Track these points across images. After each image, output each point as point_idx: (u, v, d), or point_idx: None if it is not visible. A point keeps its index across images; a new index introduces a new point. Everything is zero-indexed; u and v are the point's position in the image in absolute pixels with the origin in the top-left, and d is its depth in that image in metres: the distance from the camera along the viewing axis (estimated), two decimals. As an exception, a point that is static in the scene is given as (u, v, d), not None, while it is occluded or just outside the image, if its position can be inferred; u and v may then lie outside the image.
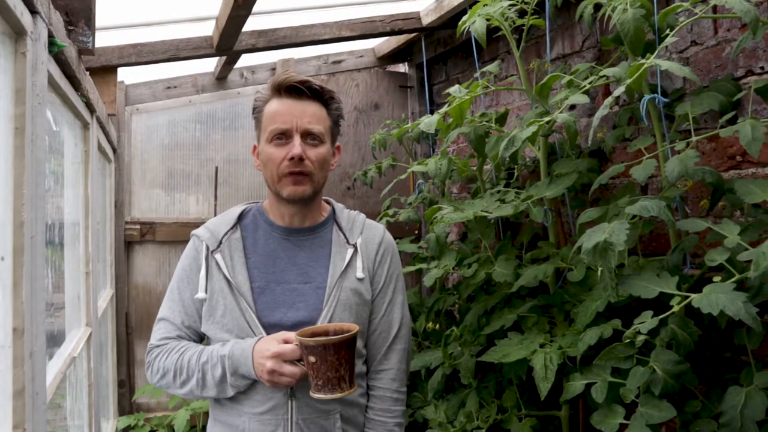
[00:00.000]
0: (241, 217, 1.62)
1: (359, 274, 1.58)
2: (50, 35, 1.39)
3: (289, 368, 1.40)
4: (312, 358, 1.35)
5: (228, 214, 1.63)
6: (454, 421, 2.19)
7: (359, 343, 1.57)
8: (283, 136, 1.50)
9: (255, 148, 1.61)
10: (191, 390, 1.50)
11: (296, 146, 1.48)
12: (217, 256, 1.54)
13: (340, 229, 1.63)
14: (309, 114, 1.51)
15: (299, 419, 1.50)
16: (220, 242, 1.56)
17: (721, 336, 1.65)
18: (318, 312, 1.52)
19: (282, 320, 1.51)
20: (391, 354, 1.64)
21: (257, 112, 1.57)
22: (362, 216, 1.70)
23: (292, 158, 1.48)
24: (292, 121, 1.50)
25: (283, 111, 1.51)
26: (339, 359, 1.36)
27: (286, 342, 1.41)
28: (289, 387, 1.46)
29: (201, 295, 1.53)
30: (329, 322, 1.52)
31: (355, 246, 1.60)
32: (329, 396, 1.37)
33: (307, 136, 1.51)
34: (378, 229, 1.68)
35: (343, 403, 1.54)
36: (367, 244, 1.63)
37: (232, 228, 1.58)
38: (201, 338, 1.61)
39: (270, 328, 1.50)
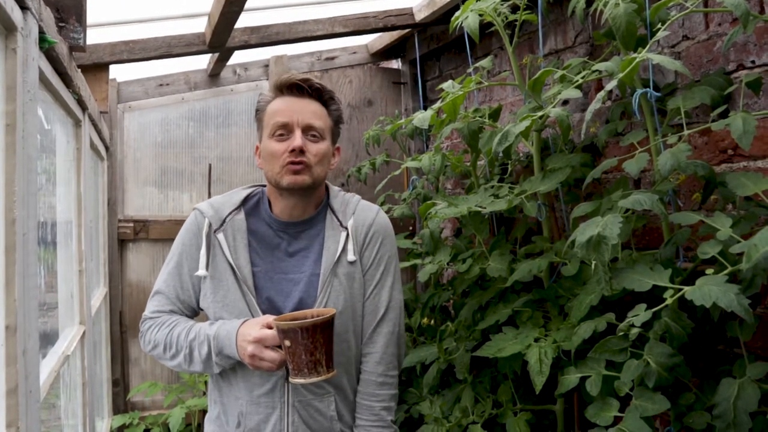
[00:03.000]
0: (245, 200, 1.65)
1: (350, 257, 1.60)
2: (41, 31, 1.38)
3: (269, 353, 1.43)
4: (287, 342, 1.38)
5: (234, 196, 1.66)
6: (450, 416, 2.19)
7: (353, 326, 1.62)
8: (284, 131, 1.55)
9: (257, 148, 1.65)
10: (180, 364, 1.55)
11: (297, 138, 1.53)
12: (220, 236, 1.57)
13: (334, 212, 1.65)
14: (310, 111, 1.57)
15: (295, 401, 1.55)
16: (223, 221, 1.59)
17: (714, 328, 1.66)
18: (314, 299, 1.56)
19: (281, 308, 1.56)
20: (377, 337, 1.65)
21: (260, 112, 1.61)
22: (357, 198, 1.72)
23: (293, 150, 1.52)
24: (293, 116, 1.54)
25: (284, 107, 1.56)
26: (314, 342, 1.37)
27: (268, 327, 1.44)
28: (270, 371, 1.48)
29: (201, 272, 1.56)
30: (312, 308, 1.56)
31: (347, 229, 1.62)
32: (305, 380, 1.39)
33: (308, 131, 1.56)
34: (371, 211, 1.69)
35: (334, 386, 1.58)
36: (357, 226, 1.65)
37: (236, 209, 1.61)
38: (195, 313, 1.66)
39: (268, 314, 1.53)
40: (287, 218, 1.61)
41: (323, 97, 1.61)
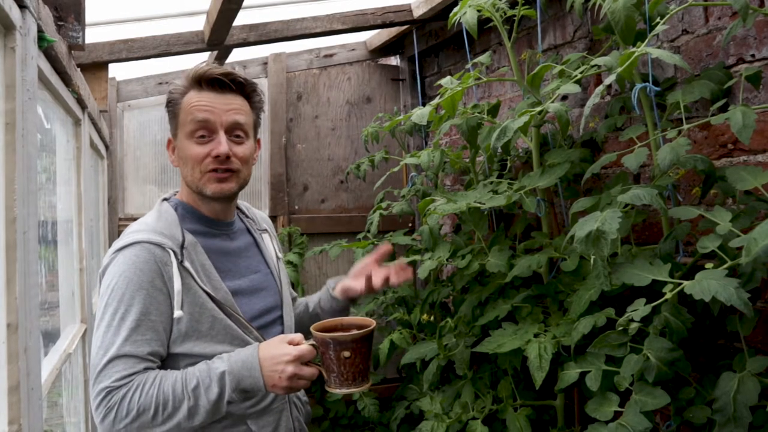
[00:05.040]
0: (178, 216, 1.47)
1: (279, 254, 1.66)
2: (39, 30, 1.38)
3: (308, 370, 1.33)
4: (346, 353, 1.32)
5: (165, 214, 1.44)
6: (450, 412, 2.20)
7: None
8: (205, 132, 1.40)
9: (170, 142, 1.49)
10: (178, 423, 1.31)
11: (222, 144, 1.39)
12: (187, 264, 1.36)
13: (246, 216, 1.64)
14: (234, 108, 1.43)
15: (293, 397, 1.54)
16: (183, 248, 1.38)
17: (714, 323, 1.66)
18: (278, 294, 1.57)
19: (260, 312, 1.50)
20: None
21: (173, 104, 1.45)
22: (246, 202, 1.73)
23: (217, 156, 1.39)
24: (216, 116, 1.40)
25: (204, 105, 1.40)
26: (369, 349, 1.37)
27: (293, 343, 1.35)
28: (304, 388, 1.40)
29: (178, 313, 1.33)
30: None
31: (267, 230, 1.67)
32: (359, 389, 1.36)
33: (233, 131, 1.43)
34: (263, 213, 1.75)
35: None
36: (270, 228, 1.71)
37: (182, 230, 1.41)
38: (162, 362, 1.38)
39: (253, 323, 1.47)
40: (223, 219, 1.52)
41: (246, 90, 1.46)
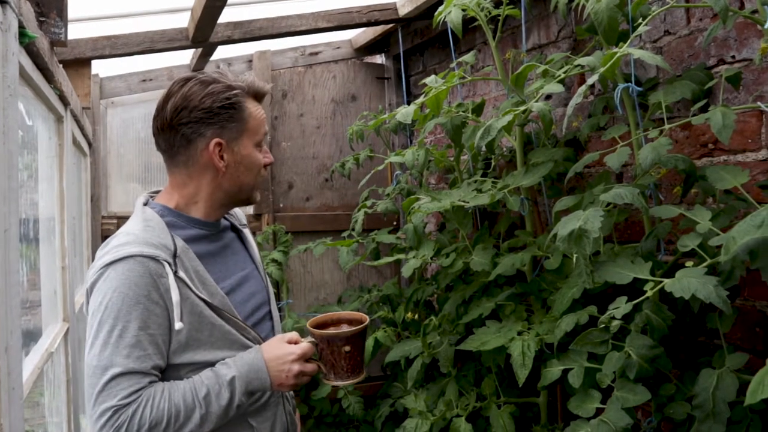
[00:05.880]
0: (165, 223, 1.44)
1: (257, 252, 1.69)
2: (21, 26, 1.37)
3: (310, 366, 1.43)
4: (347, 348, 1.41)
5: (153, 222, 1.40)
6: (434, 409, 2.20)
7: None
8: (263, 144, 1.52)
9: (220, 144, 1.42)
10: None
11: (270, 155, 1.53)
12: (182, 274, 1.34)
13: (228, 212, 1.63)
14: None
15: (286, 393, 1.57)
16: (175, 257, 1.35)
17: (694, 320, 1.68)
18: (265, 290, 1.60)
19: (252, 309, 1.53)
20: None
21: (238, 110, 1.43)
22: None
23: (267, 165, 1.52)
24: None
25: (264, 118, 1.51)
26: (365, 341, 1.47)
27: (293, 342, 1.43)
28: (297, 387, 1.45)
29: (179, 325, 1.31)
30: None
31: (246, 226, 1.69)
32: (357, 379, 1.45)
33: None
34: (239, 209, 1.73)
35: None
36: (246, 224, 1.73)
37: (173, 238, 1.38)
38: (162, 373, 1.36)
39: (248, 321, 1.50)
40: (215, 220, 1.53)
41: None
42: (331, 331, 1.45)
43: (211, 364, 1.37)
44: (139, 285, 1.29)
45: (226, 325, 1.39)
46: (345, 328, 1.48)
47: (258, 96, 1.50)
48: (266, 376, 1.37)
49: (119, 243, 1.34)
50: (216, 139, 1.41)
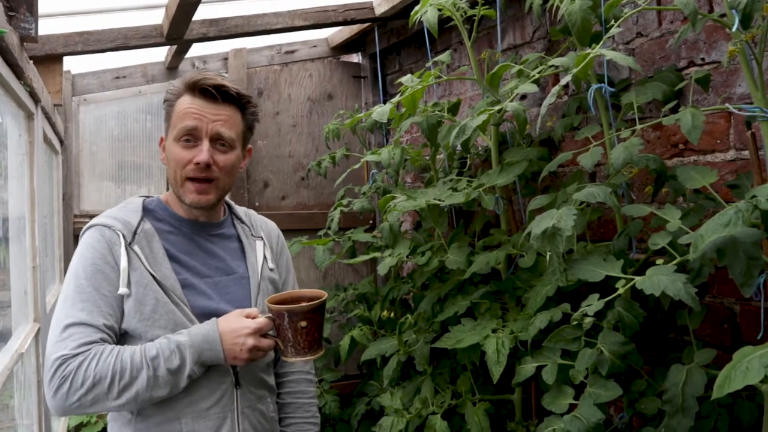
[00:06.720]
0: (144, 208, 1.52)
1: (271, 264, 1.63)
2: (-10, 21, 1.35)
3: (266, 341, 1.40)
4: (303, 323, 1.39)
5: (131, 205, 1.51)
6: (410, 407, 2.21)
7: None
8: (191, 138, 1.44)
9: (162, 140, 1.53)
10: (136, 394, 1.32)
11: (204, 152, 1.43)
12: (135, 248, 1.42)
13: (242, 222, 1.64)
14: (222, 118, 1.46)
15: (244, 407, 1.49)
16: (134, 233, 1.44)
17: (665, 317, 1.71)
18: (248, 301, 1.54)
19: (216, 311, 1.46)
20: None
21: (168, 104, 1.49)
22: (252, 210, 1.73)
23: (197, 163, 1.43)
24: (203, 124, 1.44)
25: (194, 111, 1.44)
26: (323, 318, 1.44)
27: (251, 317, 1.41)
28: (260, 359, 1.46)
29: (123, 290, 1.38)
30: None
31: (262, 238, 1.64)
32: (315, 356, 1.43)
33: (217, 140, 1.46)
34: (272, 223, 1.74)
35: (269, 387, 1.59)
36: (269, 236, 1.68)
37: (141, 219, 1.47)
38: (118, 341, 1.42)
39: (204, 320, 1.44)
40: (196, 218, 1.54)
41: (240, 101, 1.50)
42: (289, 306, 1.40)
43: (152, 340, 1.39)
44: (96, 248, 1.41)
45: (170, 304, 1.42)
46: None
47: (193, 88, 1.45)
48: (219, 347, 1.37)
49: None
50: (162, 135, 1.53)
